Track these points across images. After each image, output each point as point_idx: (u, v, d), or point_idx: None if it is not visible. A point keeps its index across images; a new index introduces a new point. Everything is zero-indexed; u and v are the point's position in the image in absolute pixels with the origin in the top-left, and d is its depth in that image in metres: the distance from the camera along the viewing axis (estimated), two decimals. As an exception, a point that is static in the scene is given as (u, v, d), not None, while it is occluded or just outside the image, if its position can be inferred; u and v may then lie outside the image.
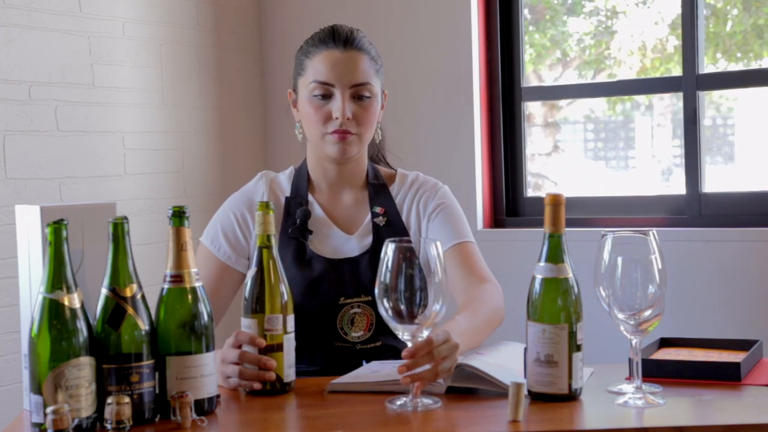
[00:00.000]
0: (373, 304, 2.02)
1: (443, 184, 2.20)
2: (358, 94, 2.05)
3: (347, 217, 2.12)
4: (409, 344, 1.60)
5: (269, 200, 2.09)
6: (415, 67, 3.66)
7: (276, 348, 1.71)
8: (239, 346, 1.71)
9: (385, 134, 2.22)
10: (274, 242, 1.75)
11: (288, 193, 2.12)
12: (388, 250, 1.58)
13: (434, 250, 1.59)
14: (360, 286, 2.04)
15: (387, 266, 1.58)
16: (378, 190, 2.14)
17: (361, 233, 2.10)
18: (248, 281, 1.74)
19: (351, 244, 2.08)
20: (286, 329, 1.72)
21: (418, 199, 2.15)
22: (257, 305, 1.71)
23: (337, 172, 2.12)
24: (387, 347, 2.04)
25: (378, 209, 2.12)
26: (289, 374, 1.73)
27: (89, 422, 1.50)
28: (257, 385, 1.69)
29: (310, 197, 2.13)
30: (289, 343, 1.72)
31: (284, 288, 1.73)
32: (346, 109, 2.03)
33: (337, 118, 2.03)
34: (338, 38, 2.06)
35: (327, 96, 2.05)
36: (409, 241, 1.60)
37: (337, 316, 2.02)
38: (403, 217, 2.13)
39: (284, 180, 2.16)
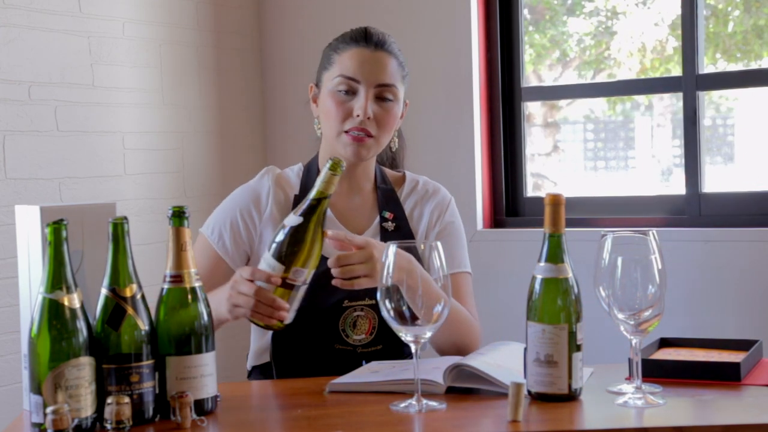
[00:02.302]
0: (376, 308, 2.01)
1: (449, 194, 2.21)
2: (382, 95, 2.04)
3: (356, 217, 2.12)
4: (412, 347, 1.60)
5: (276, 197, 2.09)
6: (415, 67, 3.65)
7: (289, 290, 1.73)
8: (252, 281, 1.73)
9: (404, 145, 2.23)
10: (327, 202, 1.76)
11: (297, 191, 2.12)
12: (389, 251, 1.58)
13: (435, 252, 1.59)
14: (365, 289, 2.02)
15: (388, 268, 1.58)
16: (387, 194, 2.14)
17: (369, 235, 2.09)
18: (289, 226, 1.74)
19: None
20: (305, 281, 1.75)
21: (430, 209, 2.15)
22: (291, 254, 1.73)
23: (348, 172, 2.10)
24: (388, 351, 2.04)
25: (387, 214, 2.11)
26: (290, 317, 1.76)
27: (89, 422, 1.50)
28: (267, 321, 1.73)
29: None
30: (302, 293, 1.75)
31: (319, 246, 1.75)
32: (368, 107, 2.01)
33: (357, 116, 2.01)
34: (370, 39, 2.06)
35: (350, 92, 2.04)
36: (410, 243, 1.60)
37: (340, 318, 2.01)
38: (413, 225, 2.13)
39: (292, 176, 2.15)
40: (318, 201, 1.75)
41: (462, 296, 2.09)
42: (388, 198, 2.13)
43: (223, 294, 1.81)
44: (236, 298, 1.75)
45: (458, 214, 2.20)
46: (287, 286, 1.73)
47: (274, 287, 1.72)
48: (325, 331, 2.01)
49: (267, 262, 1.74)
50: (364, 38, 2.07)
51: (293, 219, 1.74)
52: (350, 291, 2.01)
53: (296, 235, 1.73)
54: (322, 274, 2.00)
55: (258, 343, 2.11)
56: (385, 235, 2.07)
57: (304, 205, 1.76)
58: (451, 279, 2.06)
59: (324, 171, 1.75)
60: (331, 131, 2.06)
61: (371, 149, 2.05)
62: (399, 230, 2.09)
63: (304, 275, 1.74)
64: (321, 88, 2.10)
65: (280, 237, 1.74)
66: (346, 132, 2.03)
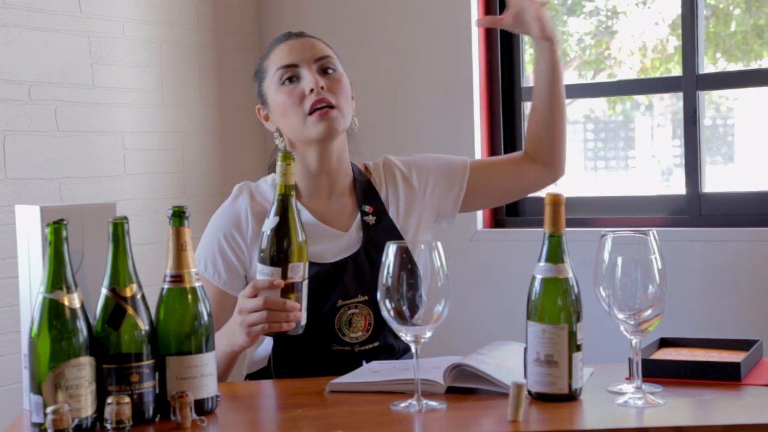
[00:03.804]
0: (369, 303, 2.02)
1: (383, 155, 2.23)
2: (324, 68, 2.06)
3: (338, 216, 2.10)
4: (412, 346, 1.60)
5: (247, 225, 2.06)
6: (415, 67, 3.66)
7: (292, 290, 1.73)
8: (255, 295, 1.73)
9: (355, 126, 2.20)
10: (294, 192, 1.76)
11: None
12: (389, 251, 1.58)
13: (436, 252, 1.59)
14: (356, 286, 2.02)
15: (388, 268, 1.58)
16: (365, 187, 2.13)
17: (353, 232, 2.08)
18: (268, 230, 1.74)
19: (344, 244, 2.07)
20: (304, 276, 1.75)
21: (392, 188, 2.16)
22: (281, 254, 1.73)
23: (322, 168, 2.08)
24: (385, 347, 2.04)
25: (367, 208, 2.10)
26: (304, 317, 1.76)
27: (89, 422, 1.50)
28: (287, 326, 1.72)
29: (298, 204, 2.07)
30: (306, 289, 1.76)
31: (303, 236, 1.75)
32: (318, 79, 2.03)
33: (311, 90, 2.02)
34: (291, 34, 2.11)
35: (295, 78, 2.05)
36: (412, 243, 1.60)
37: (335, 318, 2.01)
38: (392, 213, 2.13)
39: (267, 189, 2.10)
40: (285, 195, 1.75)
41: (496, 161, 2.30)
42: (366, 191, 2.13)
43: (231, 326, 1.80)
44: (248, 318, 1.74)
45: (404, 158, 2.22)
46: (289, 286, 1.73)
47: (279, 293, 1.72)
48: (321, 333, 2.00)
49: (262, 272, 1.74)
50: (286, 36, 2.11)
51: (270, 222, 1.75)
52: (343, 290, 2.02)
53: (279, 235, 1.74)
54: (312, 279, 1.99)
55: (252, 353, 2.10)
56: (368, 229, 2.07)
57: (273, 205, 1.76)
58: (473, 164, 2.20)
59: (278, 165, 1.75)
60: (294, 122, 2.04)
61: (339, 120, 2.04)
62: (380, 222, 2.09)
63: (301, 270, 1.74)
64: (267, 97, 2.11)
65: (264, 243, 1.74)
66: (310, 113, 2.02)
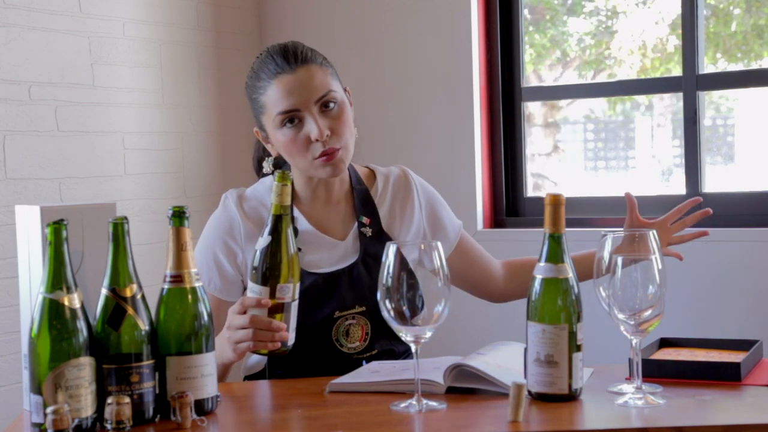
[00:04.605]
0: (366, 314, 2.01)
1: (400, 166, 2.21)
2: (326, 105, 1.98)
3: (335, 225, 2.09)
4: (412, 346, 1.60)
5: (244, 226, 2.05)
6: (415, 67, 3.66)
7: (281, 310, 1.73)
8: (244, 312, 1.73)
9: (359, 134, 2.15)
10: (288, 212, 1.76)
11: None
12: (390, 252, 1.58)
13: (436, 252, 1.59)
14: (353, 297, 2.02)
15: (389, 268, 1.58)
16: (363, 196, 2.11)
17: (350, 241, 2.07)
18: (260, 249, 1.74)
19: (340, 253, 2.06)
20: (293, 296, 1.75)
21: (400, 206, 2.14)
22: (271, 273, 1.73)
23: (325, 184, 2.08)
24: (383, 353, 2.03)
25: (365, 219, 2.08)
26: (291, 337, 1.76)
27: (89, 422, 1.50)
28: (272, 346, 1.72)
29: (296, 211, 2.08)
30: (295, 309, 1.75)
31: (294, 257, 1.75)
32: (321, 127, 1.96)
33: (317, 140, 1.96)
34: (283, 62, 1.99)
35: (297, 120, 1.98)
36: (411, 243, 1.60)
37: (332, 328, 2.01)
38: (393, 229, 2.11)
39: (263, 190, 2.09)
40: (279, 216, 1.75)
41: (479, 250, 2.24)
42: (364, 201, 2.11)
43: (221, 339, 1.79)
44: (235, 335, 1.74)
45: (422, 181, 2.20)
46: (278, 306, 1.73)
47: (266, 311, 1.72)
48: (318, 343, 2.00)
49: (252, 290, 1.75)
50: (275, 64, 2.00)
51: (263, 240, 1.75)
52: (340, 301, 2.01)
53: (270, 254, 1.73)
54: (308, 289, 1.99)
55: (247, 359, 2.10)
56: (365, 241, 2.06)
57: (268, 224, 1.76)
58: (462, 241, 2.18)
59: (274, 185, 1.75)
60: (300, 162, 2.01)
61: (345, 160, 2.01)
62: (377, 235, 2.07)
63: (290, 291, 1.74)
64: (267, 131, 2.06)
65: (256, 262, 1.74)
66: (315, 158, 1.99)
